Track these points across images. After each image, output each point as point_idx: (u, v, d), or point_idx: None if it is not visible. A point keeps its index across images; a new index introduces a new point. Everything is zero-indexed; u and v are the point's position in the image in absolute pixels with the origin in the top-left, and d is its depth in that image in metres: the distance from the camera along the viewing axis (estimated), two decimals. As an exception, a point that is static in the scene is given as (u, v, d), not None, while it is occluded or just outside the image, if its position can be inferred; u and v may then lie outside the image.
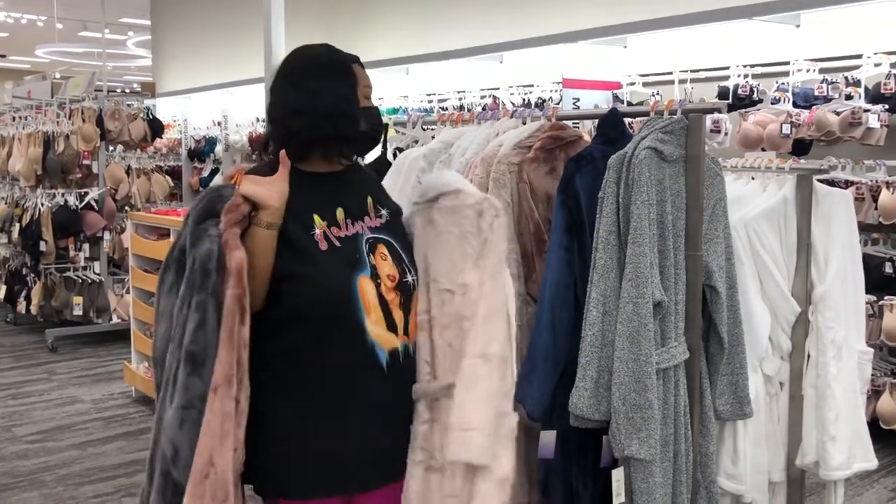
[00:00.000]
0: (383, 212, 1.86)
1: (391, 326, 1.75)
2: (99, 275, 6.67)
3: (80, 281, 6.57)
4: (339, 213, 1.78)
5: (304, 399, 1.71)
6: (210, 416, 1.58)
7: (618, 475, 2.06)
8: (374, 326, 1.72)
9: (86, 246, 6.63)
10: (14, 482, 3.80)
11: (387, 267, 1.77)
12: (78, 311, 6.42)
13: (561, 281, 2.09)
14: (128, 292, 5.95)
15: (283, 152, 1.71)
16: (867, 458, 2.56)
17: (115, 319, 6.61)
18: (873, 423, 4.05)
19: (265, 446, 1.70)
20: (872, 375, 4.16)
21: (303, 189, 1.72)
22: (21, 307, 6.84)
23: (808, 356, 2.54)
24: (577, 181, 2.11)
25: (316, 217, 1.74)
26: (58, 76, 7.89)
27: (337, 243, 1.73)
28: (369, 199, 1.86)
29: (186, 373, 1.60)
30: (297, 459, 1.71)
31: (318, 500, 1.74)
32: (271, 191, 1.67)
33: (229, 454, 1.59)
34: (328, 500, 1.74)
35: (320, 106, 1.75)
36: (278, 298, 1.69)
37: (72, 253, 6.64)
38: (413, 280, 1.81)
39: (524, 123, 2.42)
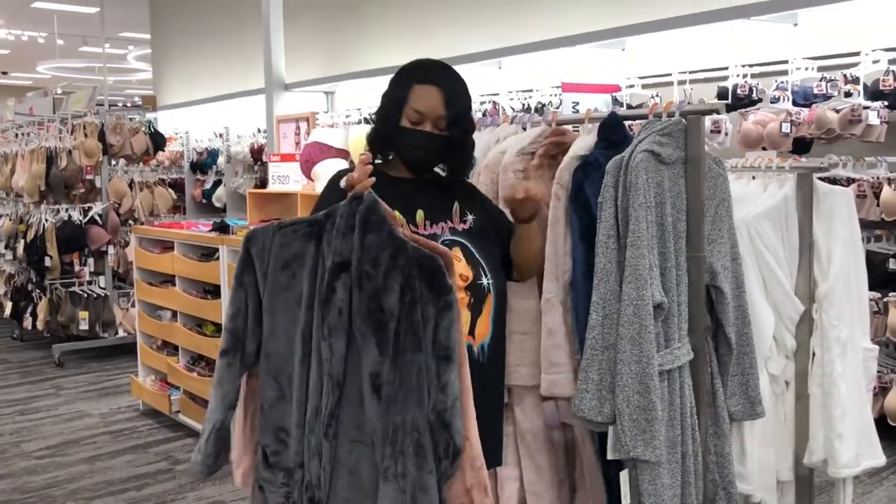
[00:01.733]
0: (469, 217, 1.99)
1: None
2: (104, 289, 6.69)
3: (86, 296, 6.58)
4: (419, 214, 1.93)
5: None
6: None
7: (625, 477, 2.07)
8: None
9: (90, 260, 6.66)
10: (24, 498, 3.80)
11: (461, 267, 1.89)
12: (84, 326, 6.44)
13: (581, 293, 2.14)
14: (133, 306, 5.97)
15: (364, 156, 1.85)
16: (875, 456, 2.56)
17: (121, 333, 6.63)
18: (881, 420, 4.05)
19: None
20: (879, 372, 4.17)
21: (383, 192, 1.76)
22: (27, 323, 6.86)
23: (814, 354, 2.54)
24: (586, 189, 2.13)
25: (396, 213, 1.83)
26: (59, 92, 7.92)
27: None
28: (456, 205, 1.98)
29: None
30: None
31: None
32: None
33: None
34: None
35: (377, 118, 1.98)
36: None
37: (77, 268, 6.66)
38: (489, 283, 1.92)
39: (524, 129, 2.43)
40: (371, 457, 1.66)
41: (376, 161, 1.98)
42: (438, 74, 1.96)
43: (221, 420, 1.81)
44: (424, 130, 1.93)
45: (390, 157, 2.00)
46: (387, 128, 1.96)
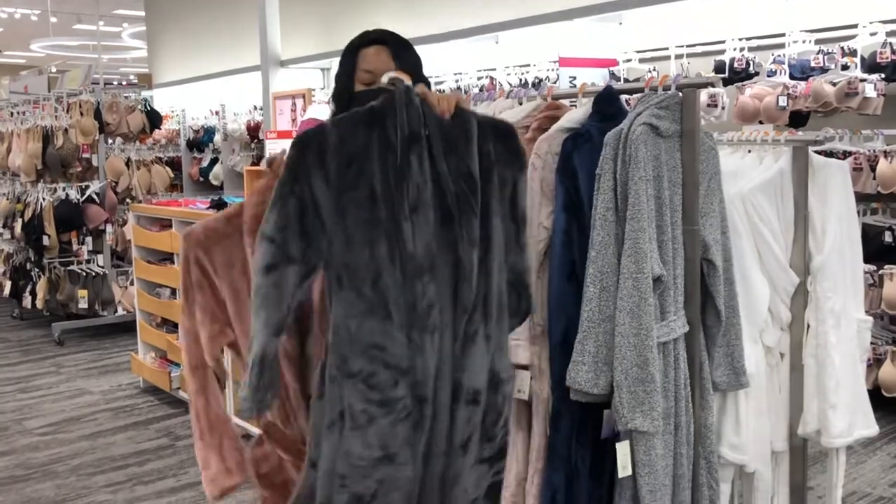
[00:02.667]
0: None
1: None
2: (102, 267, 6.70)
3: (85, 274, 6.60)
4: None
5: None
6: None
7: (623, 448, 2.09)
8: None
9: (88, 239, 6.66)
10: (27, 474, 3.84)
11: None
12: (83, 305, 6.46)
13: (557, 263, 2.13)
14: (132, 284, 5.98)
15: None
16: (868, 426, 2.59)
17: (120, 311, 6.65)
18: (875, 392, 4.09)
19: None
20: (874, 344, 4.20)
21: None
22: (27, 302, 6.88)
23: (808, 326, 2.56)
24: (574, 160, 2.13)
25: None
26: (54, 70, 7.89)
27: None
28: None
29: None
30: None
31: None
32: None
33: None
34: None
35: (333, 98, 1.98)
36: None
37: (75, 247, 6.67)
38: None
39: (520, 104, 2.43)
40: (445, 330, 1.63)
41: None
42: (383, 35, 1.96)
43: (264, 347, 1.63)
44: (377, 88, 1.85)
45: None
46: (342, 100, 1.93)
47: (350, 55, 1.97)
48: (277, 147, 4.97)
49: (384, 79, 1.69)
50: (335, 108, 1.98)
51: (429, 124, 1.63)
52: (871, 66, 4.48)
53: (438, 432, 1.67)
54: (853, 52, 4.54)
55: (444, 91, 6.50)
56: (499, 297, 1.67)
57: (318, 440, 1.70)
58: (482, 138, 1.66)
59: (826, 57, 4.65)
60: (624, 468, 2.09)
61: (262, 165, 1.73)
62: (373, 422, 1.62)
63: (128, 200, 6.85)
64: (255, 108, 8.80)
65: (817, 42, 4.79)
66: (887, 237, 4.36)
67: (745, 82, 4.90)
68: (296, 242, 1.60)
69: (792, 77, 4.74)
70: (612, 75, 5.16)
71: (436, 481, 1.70)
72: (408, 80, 1.66)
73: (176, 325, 4.82)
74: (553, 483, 2.16)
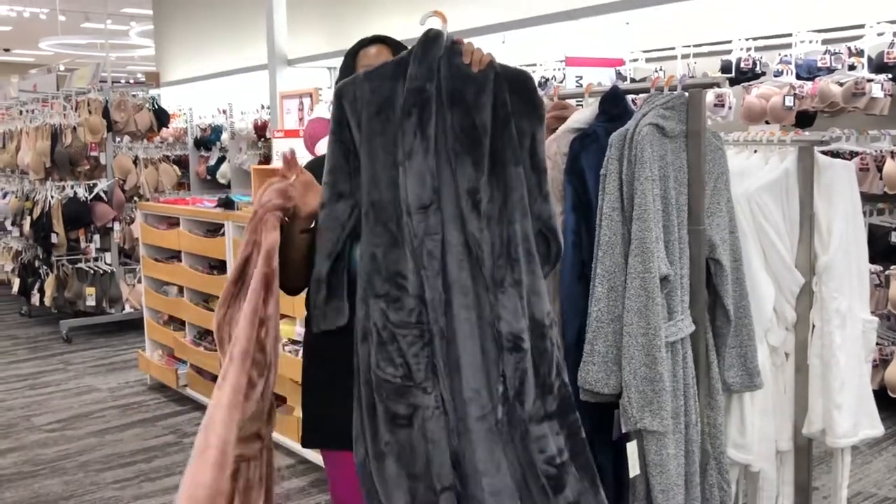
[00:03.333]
0: None
1: None
2: (110, 265, 6.73)
3: (93, 272, 6.63)
4: None
5: None
6: None
7: (632, 448, 2.09)
8: None
9: (96, 237, 6.69)
10: (36, 470, 3.87)
11: None
12: (91, 302, 6.49)
13: (567, 264, 2.14)
14: (139, 282, 6.01)
15: None
16: (873, 426, 2.59)
17: (127, 309, 6.68)
18: (881, 392, 4.08)
19: None
20: (879, 345, 4.20)
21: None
22: (35, 299, 6.91)
23: (813, 326, 2.56)
24: (582, 160, 2.14)
25: None
26: (62, 69, 7.91)
27: None
28: None
29: None
30: None
31: None
32: None
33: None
34: None
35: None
36: None
37: (83, 244, 6.70)
38: None
39: (526, 103, 2.44)
40: (474, 272, 1.72)
41: None
42: (382, 37, 2.04)
43: (318, 269, 1.78)
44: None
45: None
46: None
47: (350, 57, 2.03)
48: (285, 146, 4.99)
49: (423, 21, 1.82)
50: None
51: (441, 77, 1.72)
52: (878, 66, 4.47)
53: (471, 375, 1.72)
54: (860, 53, 4.53)
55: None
56: (525, 243, 1.73)
57: (357, 358, 1.79)
58: (498, 88, 1.72)
59: (833, 57, 4.65)
60: (633, 468, 2.09)
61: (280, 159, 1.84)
62: (395, 340, 1.73)
63: (135, 198, 6.88)
64: (263, 106, 8.83)
65: (824, 42, 4.79)
66: (894, 237, 4.36)
67: (751, 82, 4.90)
68: (345, 181, 1.77)
69: (798, 77, 4.74)
70: (619, 75, 5.17)
71: (495, 434, 1.74)
72: (442, 25, 1.77)
73: (183, 323, 4.84)
74: None
